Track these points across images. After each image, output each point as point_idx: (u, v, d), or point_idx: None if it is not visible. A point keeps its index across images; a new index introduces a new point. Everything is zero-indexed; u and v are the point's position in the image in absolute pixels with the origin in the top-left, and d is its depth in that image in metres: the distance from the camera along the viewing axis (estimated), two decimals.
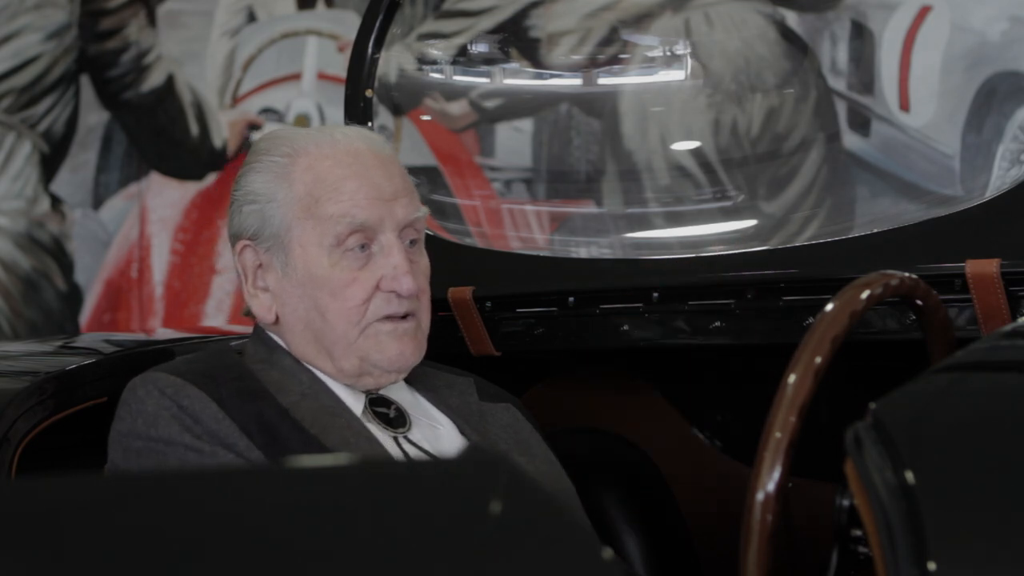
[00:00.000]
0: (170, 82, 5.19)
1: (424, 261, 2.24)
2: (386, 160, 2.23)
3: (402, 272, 2.17)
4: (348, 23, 4.98)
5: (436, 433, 2.24)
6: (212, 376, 2.14)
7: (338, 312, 2.18)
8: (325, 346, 2.20)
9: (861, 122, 3.75)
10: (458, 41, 3.18)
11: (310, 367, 2.21)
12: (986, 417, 1.58)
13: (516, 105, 4.32)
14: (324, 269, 2.18)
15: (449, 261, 2.64)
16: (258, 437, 2.09)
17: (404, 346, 2.20)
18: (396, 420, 2.21)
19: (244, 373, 2.18)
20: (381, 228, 2.18)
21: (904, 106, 3.70)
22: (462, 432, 2.25)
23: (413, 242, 2.23)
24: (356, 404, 2.21)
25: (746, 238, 3.01)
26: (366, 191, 2.19)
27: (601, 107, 3.86)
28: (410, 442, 2.19)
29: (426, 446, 2.20)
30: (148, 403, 2.10)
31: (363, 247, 2.18)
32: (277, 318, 2.22)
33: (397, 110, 3.22)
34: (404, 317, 2.20)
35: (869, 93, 3.77)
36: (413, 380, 2.29)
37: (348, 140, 2.23)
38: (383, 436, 2.18)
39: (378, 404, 2.22)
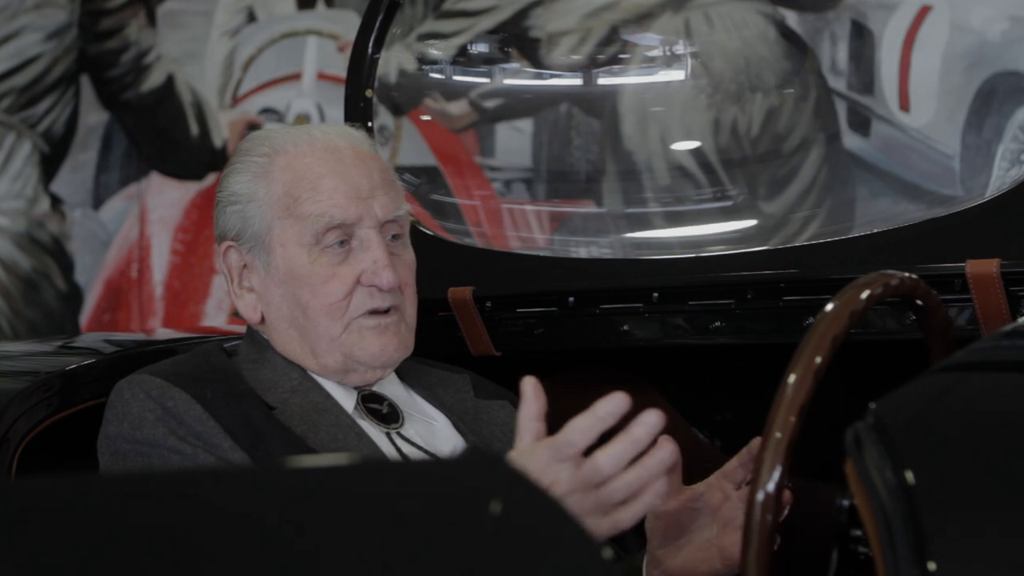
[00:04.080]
0: (170, 82, 5.19)
1: (408, 256, 2.24)
2: (365, 157, 2.23)
3: (382, 266, 2.17)
4: (348, 23, 4.97)
5: (430, 429, 2.24)
6: (197, 378, 2.14)
7: (319, 309, 2.19)
8: (309, 344, 2.20)
9: (861, 122, 3.74)
10: (458, 41, 3.18)
11: (300, 365, 2.22)
12: (986, 417, 1.58)
13: (516, 105, 4.32)
14: (304, 266, 2.19)
15: (449, 261, 2.64)
16: (243, 438, 2.10)
17: (386, 341, 2.20)
18: (389, 416, 2.21)
19: (230, 374, 2.19)
20: (360, 224, 2.18)
21: (904, 106, 3.70)
22: (457, 429, 2.25)
23: (396, 236, 2.23)
24: (348, 401, 2.21)
25: (746, 238, 3.01)
26: (344, 189, 2.19)
27: (601, 107, 3.86)
28: (403, 438, 2.19)
29: (419, 442, 2.20)
30: (134, 406, 2.11)
31: (342, 243, 2.19)
32: (263, 317, 2.23)
33: (397, 110, 3.22)
34: (387, 311, 2.20)
35: (869, 93, 3.76)
36: (407, 376, 2.29)
37: (327, 137, 2.23)
38: (375, 432, 2.18)
39: (370, 400, 2.22)
